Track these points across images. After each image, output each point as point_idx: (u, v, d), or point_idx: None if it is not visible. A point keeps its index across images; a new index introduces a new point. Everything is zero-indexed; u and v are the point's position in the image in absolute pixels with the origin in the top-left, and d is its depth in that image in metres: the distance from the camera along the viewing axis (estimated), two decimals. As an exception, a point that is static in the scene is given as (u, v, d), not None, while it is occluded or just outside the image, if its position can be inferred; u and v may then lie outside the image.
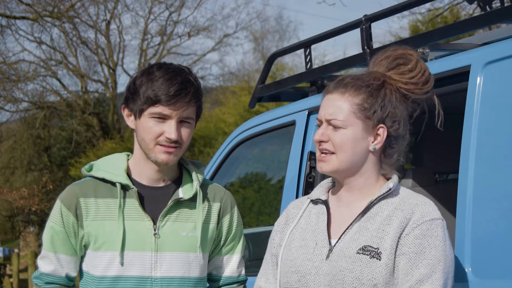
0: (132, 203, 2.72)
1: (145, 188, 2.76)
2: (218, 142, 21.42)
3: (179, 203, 2.76)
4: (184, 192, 2.77)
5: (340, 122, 2.49)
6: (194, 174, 2.81)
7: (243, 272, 2.92)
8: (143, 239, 2.70)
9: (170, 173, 2.79)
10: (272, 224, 2.80)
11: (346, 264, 2.40)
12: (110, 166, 2.78)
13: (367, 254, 2.39)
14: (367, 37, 3.54)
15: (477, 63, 2.86)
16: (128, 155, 2.85)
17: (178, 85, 2.66)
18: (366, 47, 3.53)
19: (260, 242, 4.79)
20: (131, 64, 52.99)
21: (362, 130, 2.49)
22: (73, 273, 2.78)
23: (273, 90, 4.35)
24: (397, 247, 2.40)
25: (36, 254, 18.79)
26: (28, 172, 30.12)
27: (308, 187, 3.69)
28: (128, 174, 2.77)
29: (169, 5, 28.72)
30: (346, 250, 2.43)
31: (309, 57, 4.05)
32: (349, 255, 2.41)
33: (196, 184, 2.78)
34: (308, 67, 4.05)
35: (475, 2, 3.29)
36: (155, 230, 2.71)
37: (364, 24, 3.54)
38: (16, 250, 27.72)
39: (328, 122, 2.51)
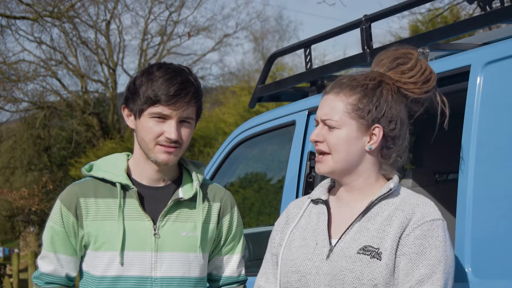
0: (132, 203, 2.72)
1: (145, 188, 2.76)
2: (218, 142, 21.42)
3: (179, 203, 2.76)
4: (184, 192, 2.77)
5: (334, 122, 2.49)
6: (194, 174, 2.81)
7: (243, 272, 2.92)
8: (143, 239, 2.70)
9: (170, 173, 2.79)
10: (272, 224, 2.79)
11: (347, 264, 2.40)
12: (110, 166, 2.78)
13: (367, 254, 2.39)
14: (367, 37, 3.54)
15: (477, 63, 2.86)
16: (128, 155, 2.85)
17: (178, 85, 2.66)
18: (366, 47, 3.53)
19: (260, 242, 4.79)
20: (131, 64, 53.03)
21: (357, 130, 2.49)
22: (73, 273, 2.78)
23: (273, 90, 4.35)
24: (397, 247, 2.40)
25: (36, 254, 18.79)
26: (28, 172, 30.13)
27: (308, 187, 3.69)
28: (128, 174, 2.77)
29: (169, 5, 28.75)
30: (347, 250, 2.43)
31: (309, 57, 4.05)
32: (349, 255, 2.41)
33: (196, 184, 2.78)
34: (308, 67, 4.05)
35: (475, 2, 3.29)
36: (155, 230, 2.71)
37: (364, 24, 3.54)
38: (16, 250, 27.72)
39: (323, 122, 2.52)
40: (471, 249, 2.70)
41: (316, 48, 35.22)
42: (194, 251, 2.75)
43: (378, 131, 2.49)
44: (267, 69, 4.39)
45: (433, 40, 3.25)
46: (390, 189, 2.49)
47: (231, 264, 2.88)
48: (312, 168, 3.70)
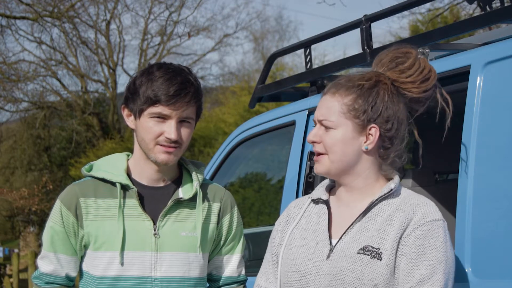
0: (132, 203, 2.72)
1: (145, 188, 2.76)
2: (218, 142, 21.43)
3: (179, 203, 2.76)
4: (184, 192, 2.77)
5: (330, 123, 2.49)
6: (194, 174, 2.81)
7: (243, 272, 2.92)
8: (143, 239, 2.70)
9: (170, 173, 2.79)
10: (272, 224, 2.79)
11: (347, 264, 2.40)
12: (110, 166, 2.78)
13: (368, 254, 2.39)
14: (367, 37, 3.53)
15: (477, 63, 2.86)
16: (128, 155, 2.85)
17: (178, 85, 2.66)
18: (366, 47, 3.53)
19: (260, 242, 4.79)
20: (131, 64, 53.02)
21: (353, 130, 2.49)
22: (73, 273, 2.78)
23: (273, 90, 4.35)
24: (398, 247, 2.40)
25: (36, 254, 18.79)
26: (28, 172, 30.13)
27: (308, 187, 3.69)
28: (128, 174, 2.77)
29: (169, 5, 28.76)
30: (347, 250, 2.43)
31: (309, 57, 4.05)
32: (349, 255, 2.41)
33: (196, 184, 2.78)
34: (308, 67, 4.05)
35: (475, 2, 3.28)
36: (155, 230, 2.71)
37: (364, 24, 3.54)
38: (16, 250, 27.72)
39: (320, 122, 2.52)
40: (471, 249, 2.70)
41: (316, 48, 35.23)
42: (194, 251, 2.75)
43: (374, 131, 2.49)
44: (267, 69, 4.39)
45: (433, 40, 3.24)
46: (391, 190, 2.48)
47: (231, 264, 2.88)
48: (312, 168, 3.70)
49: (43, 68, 28.83)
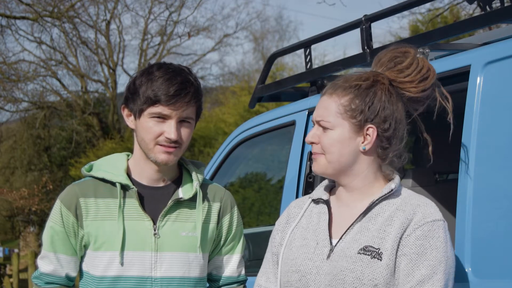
0: (132, 203, 2.72)
1: (145, 188, 2.76)
2: (218, 142, 21.43)
3: (179, 203, 2.76)
4: (184, 192, 2.77)
5: (327, 123, 2.50)
6: (194, 174, 2.80)
7: (243, 272, 2.92)
8: (143, 239, 2.70)
9: (170, 173, 2.79)
10: (272, 224, 2.79)
11: (347, 264, 2.40)
12: (110, 166, 2.78)
13: (368, 254, 2.39)
14: (367, 37, 3.53)
15: (477, 63, 2.86)
16: (128, 155, 2.85)
17: (177, 85, 2.66)
18: (366, 47, 3.53)
19: (260, 242, 4.79)
20: (131, 64, 53.02)
21: (350, 130, 2.48)
22: (73, 273, 2.78)
23: (273, 90, 4.35)
24: (398, 247, 2.40)
25: (36, 254, 18.79)
26: (28, 172, 30.13)
27: (308, 187, 3.69)
28: (128, 174, 2.77)
29: (169, 5, 28.76)
30: (347, 250, 2.43)
31: (309, 57, 4.05)
32: (350, 255, 2.41)
33: (196, 184, 2.78)
34: (308, 67, 4.05)
35: (475, 2, 3.28)
36: (155, 230, 2.71)
37: (364, 24, 3.54)
38: (16, 250, 27.73)
39: (318, 123, 2.53)
40: (471, 249, 2.70)
41: (316, 48, 35.23)
42: (194, 251, 2.75)
43: (372, 132, 2.49)
44: (267, 69, 4.39)
45: (433, 40, 3.24)
46: (391, 190, 2.48)
47: (231, 264, 2.88)
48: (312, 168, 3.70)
49: (43, 68, 28.84)
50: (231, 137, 4.58)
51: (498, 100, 2.76)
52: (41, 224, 28.42)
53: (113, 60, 29.36)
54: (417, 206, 2.45)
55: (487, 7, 3.06)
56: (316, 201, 2.62)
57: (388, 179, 2.55)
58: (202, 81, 28.36)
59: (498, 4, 2.98)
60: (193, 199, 2.77)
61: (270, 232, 2.72)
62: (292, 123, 3.98)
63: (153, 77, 2.67)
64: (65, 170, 29.03)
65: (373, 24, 3.55)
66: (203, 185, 2.83)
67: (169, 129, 2.66)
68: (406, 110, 2.55)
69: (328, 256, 2.45)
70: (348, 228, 2.47)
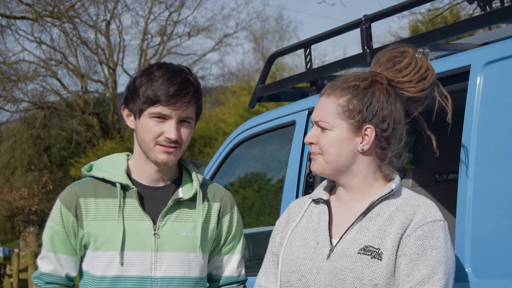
0: (132, 203, 2.72)
1: (145, 188, 2.76)
2: (218, 142, 21.43)
3: (179, 203, 2.76)
4: (184, 192, 2.77)
5: (326, 124, 2.50)
6: (194, 174, 2.80)
7: (243, 272, 2.92)
8: (143, 239, 2.70)
9: (170, 173, 2.79)
10: (272, 224, 2.79)
11: (347, 264, 2.40)
12: (110, 166, 2.78)
13: (368, 254, 2.39)
14: (367, 37, 3.53)
15: (477, 63, 2.86)
16: (128, 155, 2.85)
17: (177, 85, 2.66)
18: (366, 47, 3.53)
19: (260, 242, 4.79)
20: (131, 64, 53.04)
21: (348, 131, 2.48)
22: (73, 273, 2.78)
23: (273, 90, 4.35)
24: (398, 247, 2.40)
25: (36, 254, 18.79)
26: (28, 172, 30.13)
27: (308, 187, 3.69)
28: (128, 174, 2.77)
29: (169, 5, 28.76)
30: (347, 250, 2.43)
31: (309, 57, 4.05)
32: (350, 255, 2.41)
33: (196, 184, 2.78)
34: (308, 67, 4.05)
35: (475, 2, 3.28)
36: (155, 230, 2.71)
37: (364, 24, 3.54)
38: (16, 250, 27.73)
39: (317, 123, 2.53)
40: (471, 249, 2.70)
41: (316, 48, 35.24)
42: (194, 251, 2.75)
43: (370, 132, 2.49)
44: (267, 69, 4.39)
45: (433, 40, 3.24)
46: (392, 190, 2.48)
47: (231, 264, 2.88)
48: (312, 168, 3.70)
49: (43, 68, 28.85)
50: (231, 137, 4.59)
51: (498, 100, 2.76)
52: (41, 224, 28.43)
53: (113, 60, 29.38)
54: (417, 206, 2.45)
55: (487, 7, 3.06)
56: (316, 201, 2.62)
57: (388, 179, 2.55)
58: (202, 81, 28.38)
59: (498, 4, 2.98)
60: (193, 199, 2.77)
61: (270, 232, 2.72)
62: (292, 123, 3.98)
63: (153, 77, 2.67)
64: (65, 170, 29.03)
65: (373, 24, 3.55)
66: (203, 185, 2.83)
67: (169, 129, 2.66)
68: (405, 110, 2.55)
69: (328, 256, 2.45)
70: (348, 228, 2.47)
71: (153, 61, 23.49)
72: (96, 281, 2.71)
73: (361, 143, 2.49)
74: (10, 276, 22.25)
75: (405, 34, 20.20)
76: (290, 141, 3.96)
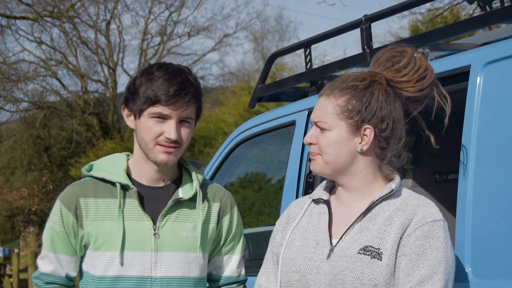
0: (132, 203, 2.72)
1: (145, 188, 2.76)
2: (218, 142, 21.43)
3: (179, 203, 2.76)
4: (184, 192, 2.77)
5: (325, 124, 2.50)
6: (194, 174, 2.81)
7: (243, 272, 2.92)
8: (143, 239, 2.70)
9: (170, 173, 2.79)
10: (272, 224, 2.79)
11: (347, 264, 2.40)
12: (110, 166, 2.78)
13: (368, 254, 2.39)
14: (367, 37, 3.53)
15: (477, 63, 2.86)
16: (128, 155, 2.85)
17: (177, 85, 2.66)
18: (366, 47, 3.53)
19: (260, 242, 4.79)
20: (131, 64, 53.04)
21: (347, 131, 2.48)
22: (73, 273, 2.78)
23: (273, 90, 4.35)
24: (398, 247, 2.40)
25: (36, 254, 18.79)
26: (28, 172, 30.13)
27: (308, 187, 3.69)
28: (128, 174, 2.77)
29: (169, 5, 28.76)
30: (347, 250, 2.43)
31: (309, 57, 4.05)
32: (350, 255, 2.41)
33: (196, 184, 2.78)
34: (308, 67, 4.05)
35: (475, 2, 3.28)
36: (155, 230, 2.71)
37: (364, 24, 3.54)
38: (16, 250, 27.73)
39: (316, 124, 2.53)
40: (471, 249, 2.70)
41: (316, 48, 35.24)
42: (194, 251, 2.75)
43: (369, 132, 2.48)
44: (267, 69, 4.39)
45: (433, 40, 3.24)
46: (392, 190, 2.48)
47: (231, 264, 2.88)
48: (312, 168, 3.70)
49: (43, 68, 28.85)
50: (231, 137, 4.59)
51: (498, 100, 2.76)
52: (41, 224, 28.43)
53: (113, 60, 29.38)
54: (417, 206, 2.45)
55: (487, 7, 3.06)
56: (317, 201, 2.62)
57: (388, 179, 2.55)
58: (202, 81, 28.38)
59: (498, 4, 2.98)
60: (193, 199, 2.77)
61: (270, 232, 2.72)
62: (292, 123, 3.98)
63: (153, 77, 2.67)
64: (65, 170, 29.03)
65: (373, 24, 3.55)
66: (203, 185, 2.83)
67: (169, 129, 2.66)
68: (404, 110, 2.55)
69: (328, 256, 2.45)
70: (348, 228, 2.48)
71: (153, 61, 23.48)
72: (96, 281, 2.71)
73: (360, 143, 2.49)
74: (10, 276, 22.26)
75: (405, 34, 20.21)
76: (290, 141, 3.96)
